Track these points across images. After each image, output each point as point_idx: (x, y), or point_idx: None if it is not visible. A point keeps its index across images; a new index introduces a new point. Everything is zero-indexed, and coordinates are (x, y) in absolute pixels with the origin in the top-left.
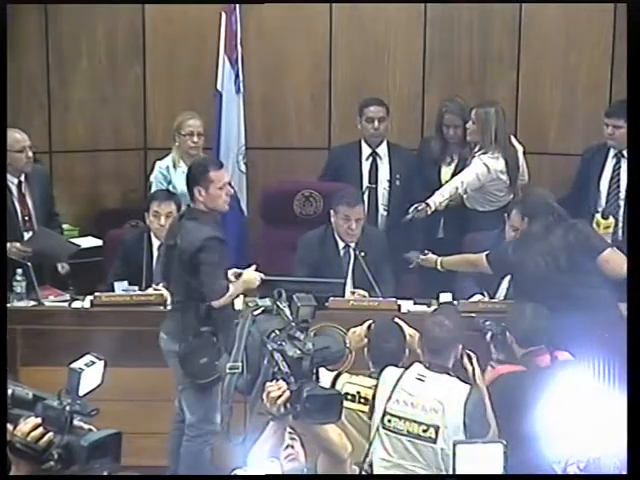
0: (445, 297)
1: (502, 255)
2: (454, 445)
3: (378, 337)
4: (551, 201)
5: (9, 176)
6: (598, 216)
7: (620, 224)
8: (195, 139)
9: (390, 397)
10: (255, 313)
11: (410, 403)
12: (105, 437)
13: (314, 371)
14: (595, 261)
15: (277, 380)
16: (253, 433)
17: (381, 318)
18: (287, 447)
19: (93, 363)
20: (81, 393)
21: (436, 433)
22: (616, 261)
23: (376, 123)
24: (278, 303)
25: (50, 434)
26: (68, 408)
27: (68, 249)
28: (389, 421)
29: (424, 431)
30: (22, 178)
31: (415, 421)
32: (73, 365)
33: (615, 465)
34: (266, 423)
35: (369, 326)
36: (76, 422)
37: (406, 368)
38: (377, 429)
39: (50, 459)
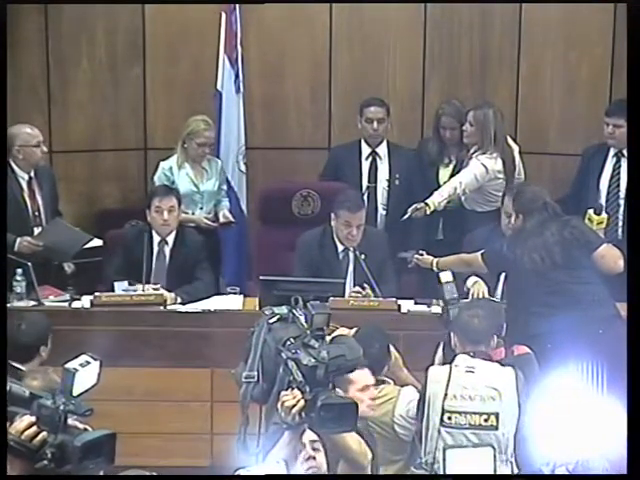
0: (446, 276)
1: (497, 253)
2: (444, 450)
3: (361, 341)
4: (545, 197)
5: (20, 172)
6: (591, 212)
7: (615, 221)
8: (207, 150)
9: (446, 395)
10: (271, 321)
11: (468, 396)
12: (99, 437)
13: (330, 380)
14: (590, 257)
15: (292, 389)
16: (269, 442)
17: (366, 323)
18: (309, 458)
19: (88, 363)
20: (75, 393)
21: (497, 420)
22: (612, 257)
23: (375, 124)
24: (294, 311)
25: (44, 433)
26: (62, 408)
27: (81, 239)
28: (449, 418)
29: (485, 420)
30: (32, 174)
31: (475, 413)
32: (67, 365)
33: (604, 467)
34: (281, 432)
35: (357, 331)
36: (71, 421)
37: (450, 363)
38: (435, 429)
39: (44, 458)
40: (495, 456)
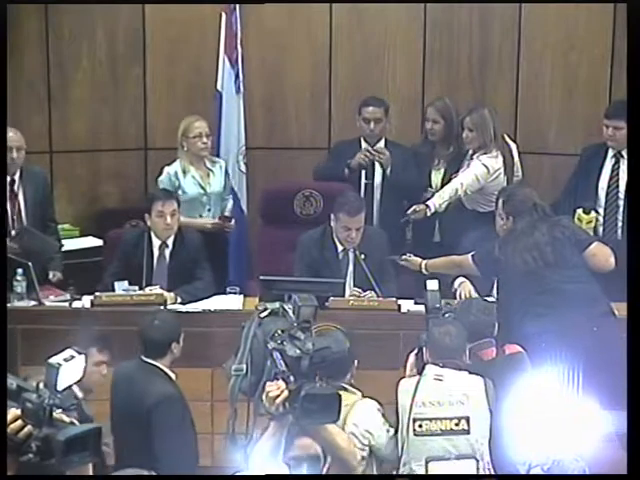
0: (432, 285)
1: (488, 254)
2: (427, 462)
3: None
4: (534, 199)
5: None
6: (580, 211)
7: (615, 222)
8: (204, 140)
9: (412, 404)
10: (261, 315)
11: (436, 402)
12: (84, 432)
13: (315, 371)
14: (582, 255)
15: (278, 380)
16: (257, 434)
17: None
18: None
19: (72, 357)
20: (60, 387)
21: (468, 424)
22: (603, 255)
23: (372, 124)
24: (284, 305)
25: (29, 427)
26: (47, 402)
27: (50, 247)
28: (420, 426)
29: (456, 425)
30: (16, 177)
31: (445, 418)
32: (51, 360)
33: (581, 467)
34: (267, 424)
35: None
36: (57, 415)
37: (420, 373)
38: (407, 439)
39: (29, 451)
40: (478, 468)
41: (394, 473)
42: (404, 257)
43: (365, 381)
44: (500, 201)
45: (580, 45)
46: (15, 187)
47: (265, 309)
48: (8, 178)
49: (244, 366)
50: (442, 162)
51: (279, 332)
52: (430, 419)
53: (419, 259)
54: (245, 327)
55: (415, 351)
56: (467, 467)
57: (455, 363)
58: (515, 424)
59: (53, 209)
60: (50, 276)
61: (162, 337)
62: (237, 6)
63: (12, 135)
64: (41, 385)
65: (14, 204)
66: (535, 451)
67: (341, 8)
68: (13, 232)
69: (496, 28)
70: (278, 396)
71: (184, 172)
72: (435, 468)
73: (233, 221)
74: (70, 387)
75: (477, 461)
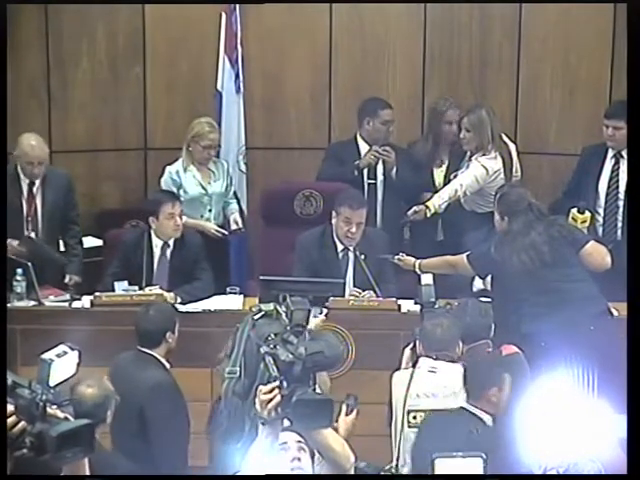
0: (426, 279)
1: (484, 254)
2: (432, 459)
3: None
4: (529, 198)
5: (22, 176)
6: (574, 211)
7: (614, 222)
8: (212, 152)
9: (407, 396)
10: (255, 317)
11: (431, 394)
12: (76, 427)
13: (311, 376)
14: (578, 254)
15: (270, 384)
16: (251, 437)
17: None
18: (294, 459)
19: (65, 353)
20: (52, 383)
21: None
22: (599, 254)
23: (391, 127)
24: (278, 307)
25: (23, 422)
26: (39, 397)
27: (53, 262)
28: (414, 417)
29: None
30: (37, 180)
31: (439, 410)
32: (44, 356)
33: (597, 468)
34: (260, 428)
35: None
36: (51, 411)
37: (414, 366)
38: (402, 431)
39: (22, 447)
40: (485, 467)
41: (393, 472)
42: (397, 257)
43: (365, 381)
44: (495, 201)
45: (580, 45)
46: (34, 189)
47: (259, 311)
48: (27, 180)
49: (237, 369)
50: (444, 160)
51: (272, 336)
52: (424, 410)
53: (413, 259)
54: (239, 329)
55: (410, 345)
56: (474, 465)
57: (448, 355)
58: (514, 423)
59: (77, 212)
60: (67, 280)
61: (156, 327)
62: (237, 6)
63: (38, 145)
64: (34, 381)
65: (31, 206)
66: (539, 451)
67: (341, 8)
68: (26, 233)
69: (496, 28)
70: (270, 400)
71: (185, 171)
72: (441, 465)
73: (242, 229)
74: (63, 383)
75: (484, 459)
